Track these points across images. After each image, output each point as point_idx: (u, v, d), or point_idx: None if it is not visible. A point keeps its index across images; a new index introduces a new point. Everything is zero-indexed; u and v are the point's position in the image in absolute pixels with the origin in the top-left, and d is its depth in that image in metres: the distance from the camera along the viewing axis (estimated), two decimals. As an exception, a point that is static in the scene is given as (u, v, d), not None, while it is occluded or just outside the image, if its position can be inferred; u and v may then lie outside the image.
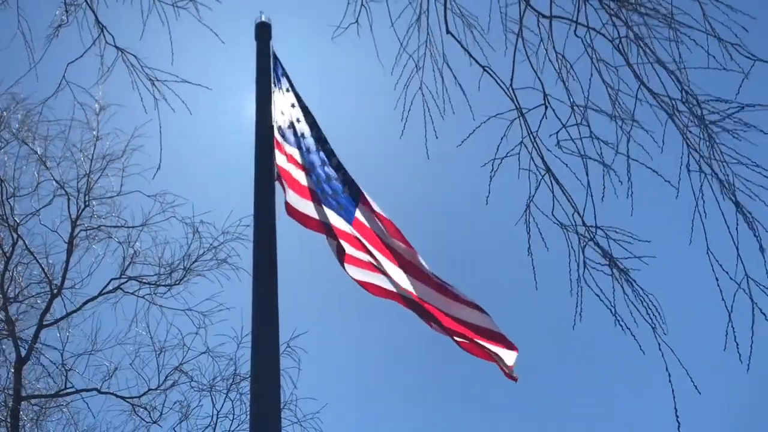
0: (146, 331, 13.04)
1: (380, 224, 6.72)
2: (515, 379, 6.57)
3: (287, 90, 7.10)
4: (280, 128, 6.78)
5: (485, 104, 5.37)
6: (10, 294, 12.51)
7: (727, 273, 4.74)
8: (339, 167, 6.89)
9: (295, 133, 6.91)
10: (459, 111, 5.54)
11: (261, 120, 6.42)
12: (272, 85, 6.81)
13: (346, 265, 6.34)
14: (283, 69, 7.11)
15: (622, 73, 5.22)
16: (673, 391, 4.75)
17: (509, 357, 6.47)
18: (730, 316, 4.69)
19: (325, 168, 6.88)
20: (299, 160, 6.79)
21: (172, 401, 13.08)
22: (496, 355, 6.43)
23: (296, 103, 7.10)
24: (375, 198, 6.78)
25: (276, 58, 7.05)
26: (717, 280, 4.76)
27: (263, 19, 7.05)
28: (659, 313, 4.93)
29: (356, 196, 6.72)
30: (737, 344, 4.64)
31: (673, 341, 4.92)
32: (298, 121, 7.00)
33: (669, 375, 4.78)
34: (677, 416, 4.65)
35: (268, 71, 6.78)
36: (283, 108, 7.00)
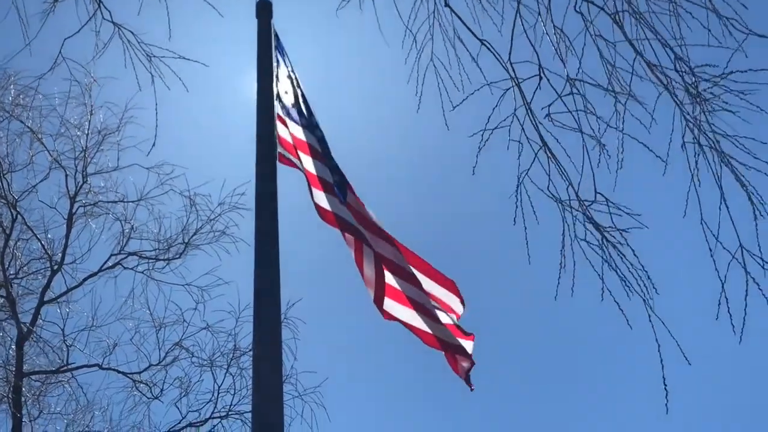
0: (145, 307, 13.18)
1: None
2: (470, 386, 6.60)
3: (287, 68, 7.16)
4: (283, 105, 6.84)
5: (489, 77, 5.39)
6: (11, 271, 12.54)
7: (720, 243, 4.77)
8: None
9: (299, 111, 6.99)
10: (462, 83, 5.55)
11: (262, 94, 6.44)
12: (273, 62, 6.83)
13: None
14: (283, 48, 7.15)
15: (619, 48, 5.25)
16: (661, 360, 4.81)
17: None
18: (723, 286, 4.72)
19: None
20: (303, 137, 6.89)
21: (172, 377, 13.24)
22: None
23: (294, 83, 7.15)
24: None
25: (277, 36, 7.07)
26: (711, 251, 4.78)
27: (263, -4, 7.03)
28: (648, 285, 4.96)
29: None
30: (730, 315, 4.66)
31: (664, 314, 4.97)
32: (297, 99, 7.07)
33: (658, 345, 4.82)
34: (665, 385, 4.71)
35: (269, 49, 6.81)
36: (285, 86, 7.06)
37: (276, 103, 6.65)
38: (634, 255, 5.05)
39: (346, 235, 6.70)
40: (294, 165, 6.90)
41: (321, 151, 6.89)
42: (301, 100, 7.12)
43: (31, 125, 12.75)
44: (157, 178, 13.06)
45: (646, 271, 5.04)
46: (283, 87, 7.04)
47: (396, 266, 6.64)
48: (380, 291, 6.58)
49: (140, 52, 6.59)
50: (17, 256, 12.79)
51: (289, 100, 7.08)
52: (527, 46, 5.35)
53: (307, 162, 6.82)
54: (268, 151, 6.07)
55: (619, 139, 5.07)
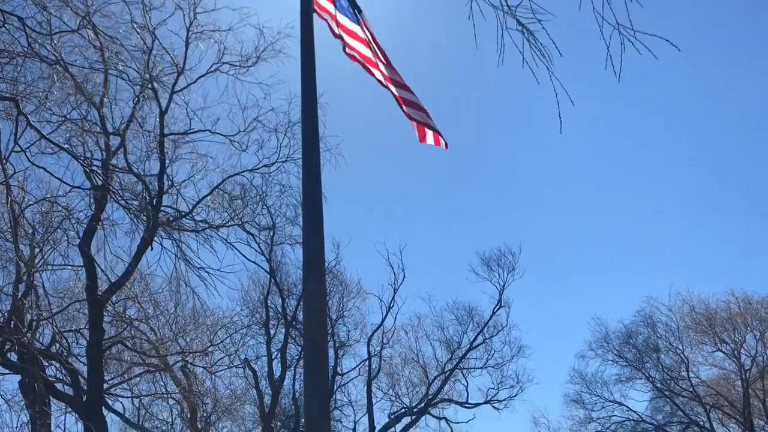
0: (235, 96, 13.27)
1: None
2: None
3: None
4: None
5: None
6: (155, 72, 12.53)
7: (606, 20, 4.21)
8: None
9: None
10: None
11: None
12: None
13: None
14: None
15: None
16: (560, 116, 4.48)
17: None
18: (608, 48, 4.24)
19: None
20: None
21: (253, 139, 13.69)
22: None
23: None
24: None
25: None
26: (600, 27, 4.23)
27: None
28: (548, 53, 4.50)
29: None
30: (613, 65, 4.24)
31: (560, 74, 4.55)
32: None
33: (558, 104, 4.49)
34: (560, 118, 4.42)
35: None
36: None
37: None
38: (545, 32, 4.46)
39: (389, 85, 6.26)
40: (325, 20, 6.12)
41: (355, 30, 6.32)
42: None
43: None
44: (239, 17, 12.70)
45: (554, 44, 4.48)
46: None
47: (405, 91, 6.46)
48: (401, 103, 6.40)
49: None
50: (157, 65, 12.33)
51: None
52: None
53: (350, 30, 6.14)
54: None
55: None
